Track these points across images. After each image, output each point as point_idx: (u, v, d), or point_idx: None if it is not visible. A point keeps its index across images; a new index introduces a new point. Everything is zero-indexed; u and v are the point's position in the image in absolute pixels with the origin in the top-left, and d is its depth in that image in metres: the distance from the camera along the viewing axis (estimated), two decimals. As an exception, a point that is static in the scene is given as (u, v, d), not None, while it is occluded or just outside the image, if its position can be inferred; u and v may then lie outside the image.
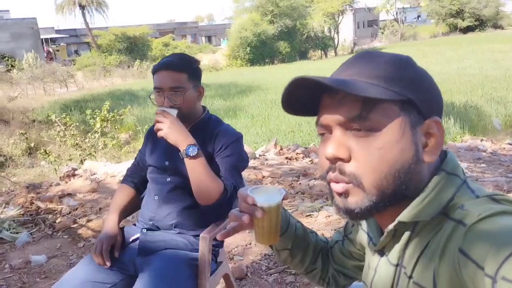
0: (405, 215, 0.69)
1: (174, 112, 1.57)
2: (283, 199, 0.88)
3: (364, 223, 0.90)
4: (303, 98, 0.73)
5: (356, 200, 0.68)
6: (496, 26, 48.38)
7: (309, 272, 1.06)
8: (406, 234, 0.71)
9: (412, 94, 0.68)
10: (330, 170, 0.70)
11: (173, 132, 1.53)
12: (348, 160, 0.68)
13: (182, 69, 1.62)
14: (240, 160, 1.67)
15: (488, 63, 17.36)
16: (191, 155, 1.52)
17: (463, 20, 47.32)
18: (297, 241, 1.01)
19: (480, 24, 47.74)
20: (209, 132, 1.69)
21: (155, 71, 1.64)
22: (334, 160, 0.69)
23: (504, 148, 6.14)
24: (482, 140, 6.96)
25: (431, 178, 0.70)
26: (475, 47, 24.66)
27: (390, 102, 0.67)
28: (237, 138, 1.70)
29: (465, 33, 44.83)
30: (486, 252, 0.54)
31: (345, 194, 0.69)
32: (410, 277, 0.69)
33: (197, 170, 1.53)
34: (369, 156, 0.66)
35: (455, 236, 0.61)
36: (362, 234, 0.91)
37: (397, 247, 0.73)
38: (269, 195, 0.88)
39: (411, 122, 0.68)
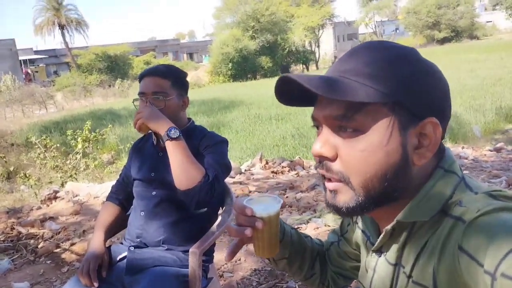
0: (403, 215, 0.68)
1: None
2: (281, 207, 0.86)
3: (360, 221, 0.88)
4: (298, 91, 0.71)
5: (344, 199, 0.68)
6: (471, 37, 49.78)
7: (309, 278, 1.04)
8: (404, 233, 0.70)
9: (404, 96, 0.65)
10: (319, 166, 0.71)
11: (153, 117, 1.53)
12: (334, 159, 0.68)
13: (166, 75, 1.65)
14: (224, 159, 1.64)
15: (466, 73, 17.78)
16: (173, 136, 1.50)
17: (439, 31, 48.63)
18: (294, 249, 0.99)
19: (456, 35, 49.10)
20: (195, 138, 1.68)
21: (140, 77, 1.68)
22: (319, 157, 0.69)
23: (485, 155, 6.24)
24: (463, 147, 7.06)
25: (429, 176, 0.69)
26: (452, 58, 25.28)
27: (378, 104, 0.65)
28: (222, 140, 1.70)
29: (442, 44, 46.01)
30: (486, 249, 0.53)
31: (334, 191, 0.69)
32: (410, 276, 0.68)
33: (178, 152, 1.50)
34: (353, 157, 0.66)
35: (454, 233, 0.61)
36: (358, 233, 0.90)
37: (395, 246, 0.72)
38: (267, 204, 0.85)
39: (401, 124, 0.65)
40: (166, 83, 1.64)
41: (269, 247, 0.85)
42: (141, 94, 1.65)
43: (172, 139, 1.50)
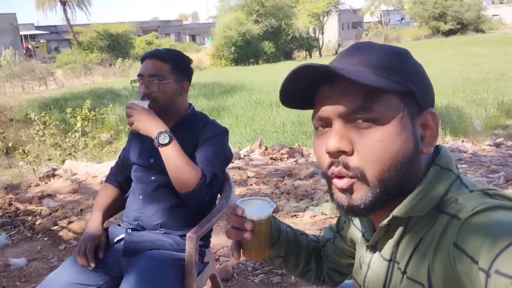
0: (399, 210, 0.68)
1: (145, 104, 1.56)
2: (274, 211, 0.85)
3: (356, 219, 0.89)
4: (301, 89, 0.71)
5: (361, 196, 0.67)
6: (477, 30, 49.29)
7: (304, 274, 1.05)
8: (400, 230, 0.70)
9: (413, 85, 0.68)
10: (332, 164, 0.68)
11: (142, 122, 1.50)
12: (351, 153, 0.66)
13: (166, 59, 1.64)
14: (223, 151, 1.64)
15: (469, 66, 17.70)
16: (162, 143, 1.48)
17: (445, 23, 48.14)
18: (289, 247, 1.00)
19: (461, 27, 48.64)
20: (194, 126, 1.67)
21: (142, 59, 1.68)
22: (337, 154, 0.67)
23: (484, 149, 6.23)
24: (463, 141, 7.05)
25: (425, 173, 0.69)
26: (456, 50, 25.12)
27: (392, 93, 0.66)
28: (222, 132, 1.69)
29: (447, 36, 45.64)
30: (480, 246, 0.54)
31: (349, 190, 0.67)
32: (404, 272, 0.68)
33: (171, 157, 1.49)
34: (372, 148, 0.65)
35: (450, 230, 0.61)
36: (353, 230, 0.90)
37: (390, 242, 0.72)
38: (259, 207, 0.85)
39: (411, 114, 0.67)
40: (165, 66, 1.63)
41: (256, 251, 0.85)
42: (139, 75, 1.65)
43: (162, 145, 1.48)
